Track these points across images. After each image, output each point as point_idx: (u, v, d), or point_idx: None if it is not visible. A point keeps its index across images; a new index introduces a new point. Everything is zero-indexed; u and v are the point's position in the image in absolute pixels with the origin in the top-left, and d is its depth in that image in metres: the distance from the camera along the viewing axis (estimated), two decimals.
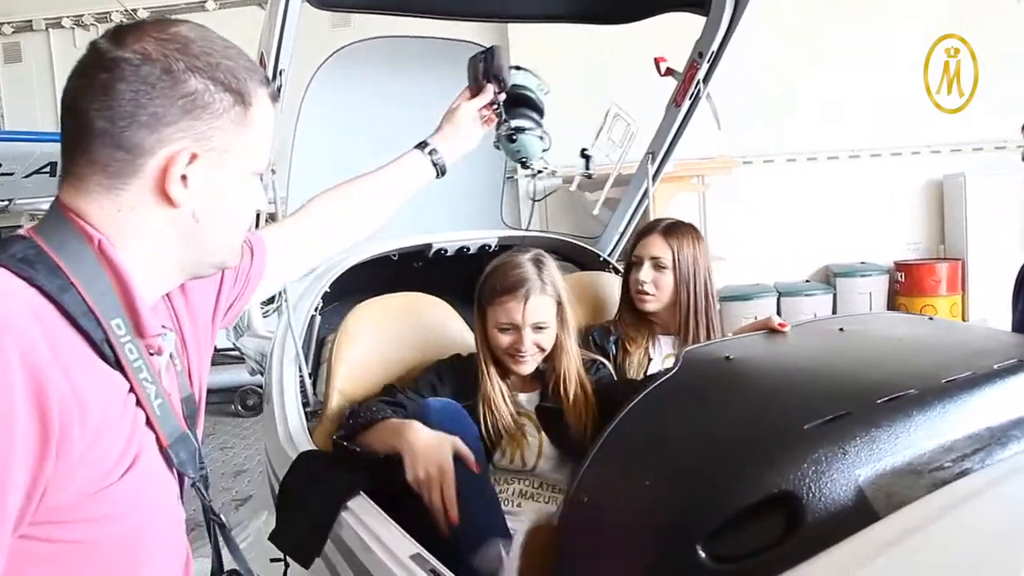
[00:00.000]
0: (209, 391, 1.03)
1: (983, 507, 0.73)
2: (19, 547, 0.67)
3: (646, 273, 1.90)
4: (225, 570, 0.99)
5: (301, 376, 1.89)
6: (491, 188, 3.23)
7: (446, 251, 2.21)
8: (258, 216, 1.90)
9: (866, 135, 5.39)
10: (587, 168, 1.93)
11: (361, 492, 1.37)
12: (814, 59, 5.26)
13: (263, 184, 0.89)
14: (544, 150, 1.46)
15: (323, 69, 2.73)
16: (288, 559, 1.46)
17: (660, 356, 1.93)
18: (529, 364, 1.60)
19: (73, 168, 0.78)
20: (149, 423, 0.79)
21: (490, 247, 2.24)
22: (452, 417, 1.45)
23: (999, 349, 1.04)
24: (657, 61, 2.24)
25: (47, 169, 4.43)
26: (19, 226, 0.82)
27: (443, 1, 2.19)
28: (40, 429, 0.65)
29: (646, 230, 1.97)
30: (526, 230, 2.71)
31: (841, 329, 1.19)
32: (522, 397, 1.67)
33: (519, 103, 1.42)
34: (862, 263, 5.44)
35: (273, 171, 1.91)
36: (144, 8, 5.75)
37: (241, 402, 5.08)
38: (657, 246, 1.91)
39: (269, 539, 1.47)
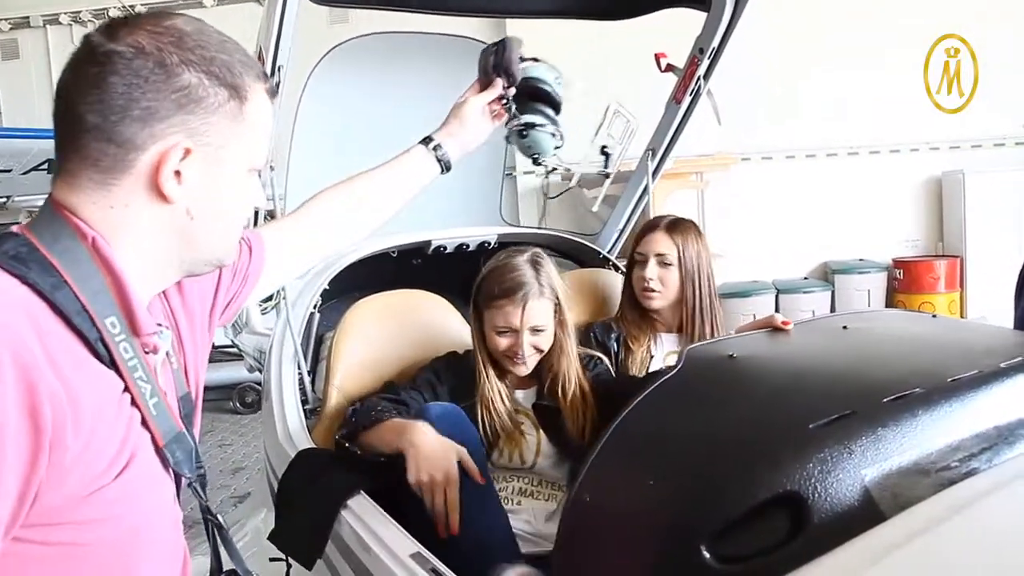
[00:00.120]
0: (208, 388, 1.02)
1: (991, 508, 0.73)
2: (12, 550, 0.66)
3: (651, 270, 1.89)
4: (223, 570, 0.98)
5: (300, 374, 1.88)
6: (490, 184, 3.22)
7: (445, 248, 2.20)
8: (257, 213, 1.90)
9: (866, 133, 5.39)
10: (606, 166, 1.88)
11: (361, 492, 1.37)
12: (815, 59, 5.26)
13: (262, 181, 0.88)
14: (557, 147, 1.40)
15: (321, 66, 2.73)
16: (290, 559, 1.45)
17: (662, 354, 1.92)
18: (527, 365, 1.60)
19: (66, 164, 0.77)
20: (144, 423, 0.78)
21: (489, 244, 2.24)
22: (454, 422, 1.44)
23: (1004, 347, 1.03)
24: (657, 57, 2.23)
25: (45, 166, 4.43)
26: (17, 223, 0.81)
27: None
28: (32, 429, 0.64)
29: (648, 227, 1.96)
30: (527, 227, 2.71)
31: (845, 327, 1.18)
32: (519, 394, 1.67)
33: (534, 97, 1.36)
34: (860, 260, 5.45)
35: (272, 168, 1.90)
36: (142, 4, 5.74)
37: (240, 399, 5.07)
38: (662, 243, 1.90)
39: (269, 539, 1.46)
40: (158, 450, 0.80)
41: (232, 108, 0.79)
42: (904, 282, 5.33)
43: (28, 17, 6.01)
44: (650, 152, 2.38)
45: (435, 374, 1.65)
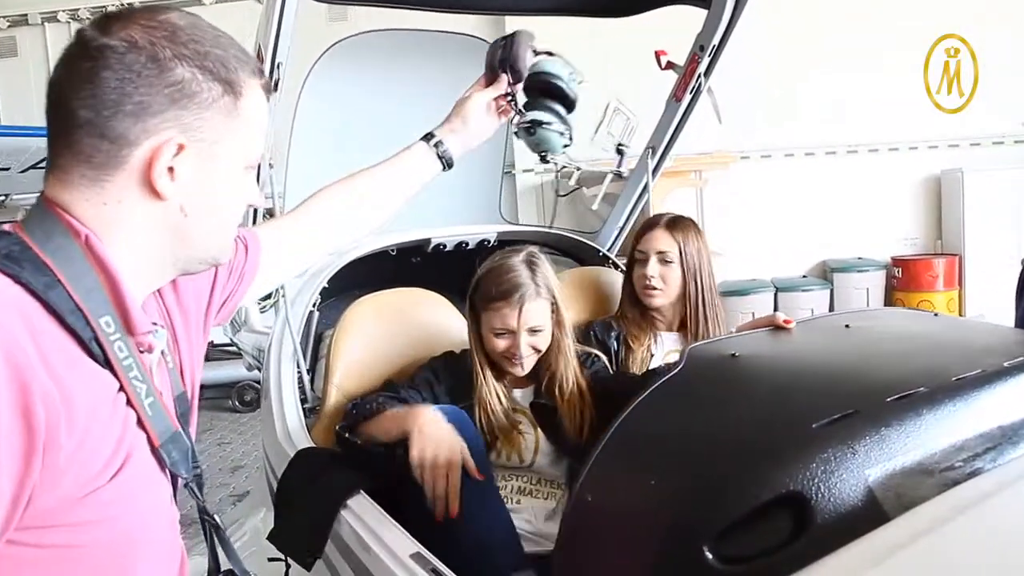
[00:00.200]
0: (206, 386, 1.01)
1: (995, 508, 0.72)
2: (6, 553, 0.65)
3: (653, 268, 1.89)
4: (221, 570, 0.97)
5: (299, 372, 1.88)
6: (490, 182, 3.22)
7: (445, 246, 2.20)
8: (256, 211, 1.89)
9: (865, 132, 5.39)
10: (620, 165, 1.84)
11: (361, 491, 1.36)
12: (815, 60, 5.26)
13: (261, 179, 0.87)
14: (565, 145, 1.35)
15: (321, 62, 2.72)
16: (288, 559, 1.45)
17: (662, 352, 1.92)
18: (525, 366, 1.59)
19: (58, 160, 0.76)
20: (140, 423, 0.77)
21: (489, 242, 2.23)
22: (457, 423, 1.43)
23: (1008, 346, 1.03)
24: (658, 55, 2.22)
25: (43, 164, 4.40)
26: (13, 221, 0.80)
27: None
28: (25, 430, 0.63)
29: (649, 225, 1.95)
30: (527, 225, 2.70)
31: (847, 326, 1.18)
32: (517, 393, 1.66)
33: (545, 92, 1.31)
34: (859, 258, 5.45)
35: (271, 165, 1.89)
36: (140, 1, 5.73)
37: (239, 397, 5.07)
38: (663, 240, 1.89)
39: (268, 539, 1.45)
40: (154, 450, 0.79)
41: (226, 104, 0.78)
42: (903, 280, 5.33)
43: (26, 15, 6.00)
44: (650, 150, 2.38)
45: (433, 373, 1.65)
